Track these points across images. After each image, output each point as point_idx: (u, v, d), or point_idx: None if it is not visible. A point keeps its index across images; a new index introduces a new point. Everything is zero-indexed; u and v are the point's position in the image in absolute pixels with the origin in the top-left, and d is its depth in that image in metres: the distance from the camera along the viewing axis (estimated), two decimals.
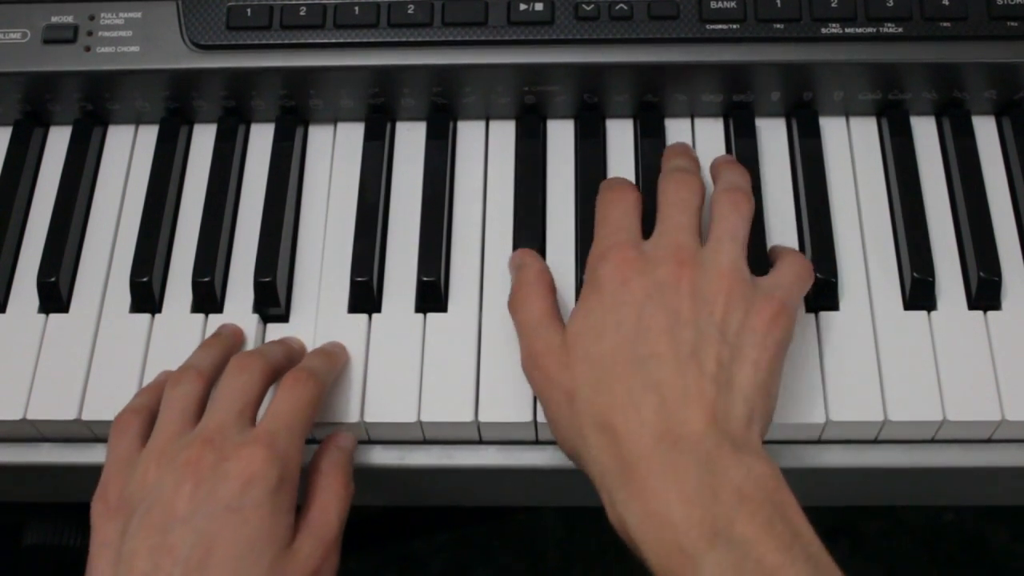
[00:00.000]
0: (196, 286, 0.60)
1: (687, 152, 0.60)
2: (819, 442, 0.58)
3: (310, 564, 0.49)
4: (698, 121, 0.65)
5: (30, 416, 0.57)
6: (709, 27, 0.61)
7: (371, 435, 0.58)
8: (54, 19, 0.63)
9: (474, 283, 0.60)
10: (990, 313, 0.58)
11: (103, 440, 0.57)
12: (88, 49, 0.63)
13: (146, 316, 0.60)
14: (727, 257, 0.51)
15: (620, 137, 0.65)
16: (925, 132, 0.64)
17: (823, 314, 0.58)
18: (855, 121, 0.65)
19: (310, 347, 0.59)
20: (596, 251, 0.53)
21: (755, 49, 0.61)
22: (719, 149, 0.64)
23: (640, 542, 0.46)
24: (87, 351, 0.59)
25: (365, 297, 0.60)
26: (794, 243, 0.61)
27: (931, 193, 0.62)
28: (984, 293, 0.58)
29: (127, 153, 0.66)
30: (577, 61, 0.61)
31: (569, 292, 0.59)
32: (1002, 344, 0.57)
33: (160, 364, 0.58)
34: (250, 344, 0.59)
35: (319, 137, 0.66)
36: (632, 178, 0.63)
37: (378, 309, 0.60)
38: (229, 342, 0.57)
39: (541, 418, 0.56)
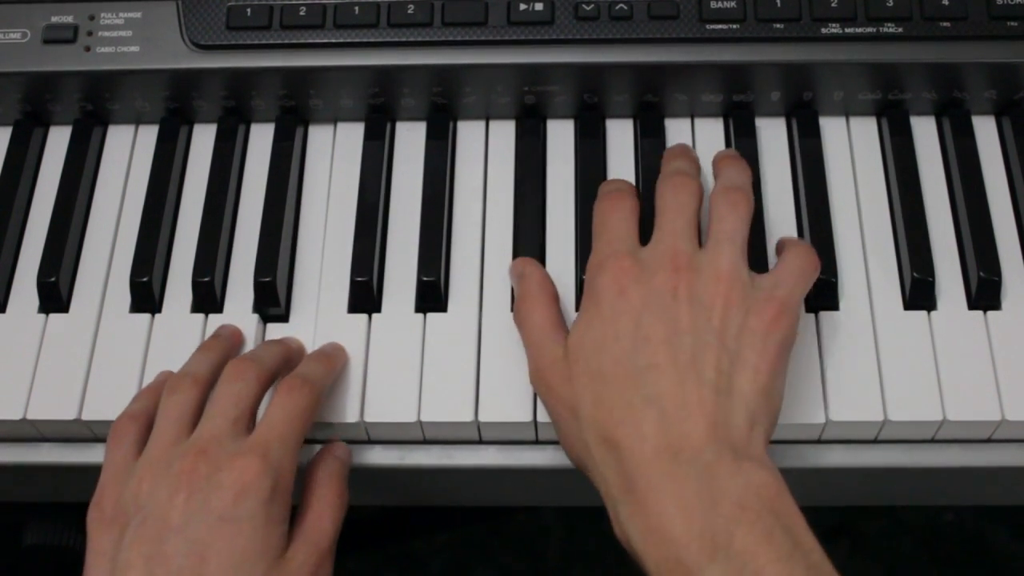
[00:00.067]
0: (196, 286, 0.60)
1: (686, 154, 0.59)
2: (819, 442, 0.58)
3: (303, 573, 0.49)
4: (698, 121, 0.65)
5: (30, 416, 0.57)
6: (709, 27, 0.61)
7: (371, 435, 0.58)
8: (54, 19, 0.63)
9: (474, 283, 0.60)
10: (990, 313, 0.58)
11: (103, 440, 0.57)
12: (88, 49, 0.63)
13: (146, 316, 0.60)
14: (725, 260, 0.51)
15: (620, 137, 0.65)
16: (925, 132, 0.64)
17: (823, 314, 0.58)
18: (855, 121, 0.65)
19: (310, 347, 0.59)
20: (594, 262, 0.53)
21: (755, 49, 0.61)
22: (719, 149, 0.64)
23: (642, 556, 0.46)
24: (87, 351, 0.59)
25: (365, 297, 0.60)
26: None
27: (931, 193, 0.62)
28: (984, 293, 0.58)
29: (127, 153, 0.66)
30: (577, 61, 0.61)
31: (569, 293, 0.59)
32: (1002, 344, 0.57)
33: (160, 364, 0.58)
34: (250, 345, 0.59)
35: (319, 137, 0.66)
36: (632, 178, 0.63)
37: (378, 309, 0.60)
38: (227, 345, 0.57)
39: (541, 418, 0.56)
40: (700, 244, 0.53)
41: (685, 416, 0.47)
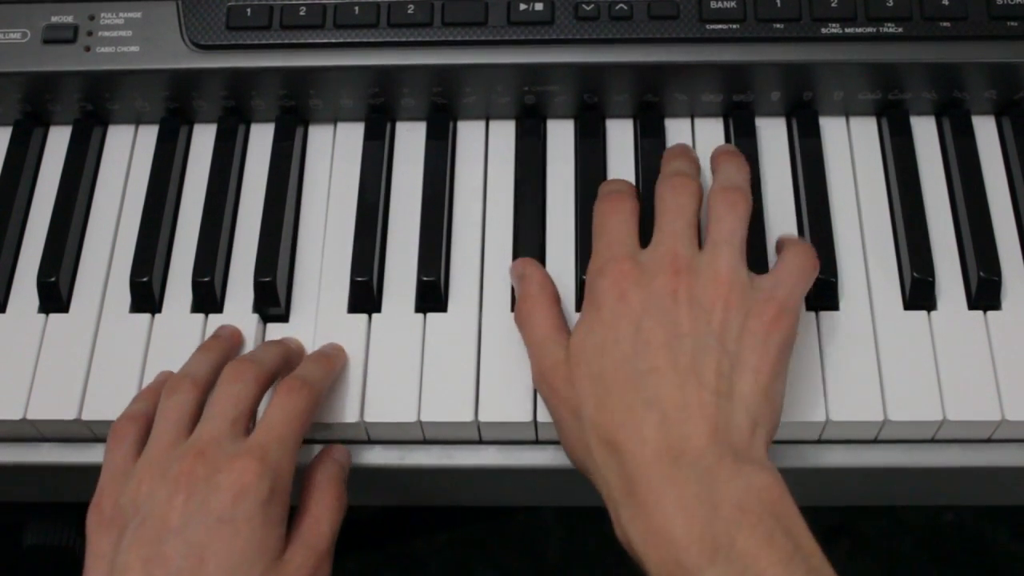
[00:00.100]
0: (196, 286, 0.60)
1: (686, 154, 0.59)
2: (819, 442, 0.58)
3: (301, 573, 0.49)
4: (698, 121, 0.65)
5: (30, 416, 0.57)
6: (709, 27, 0.61)
7: (371, 435, 0.58)
8: (54, 19, 0.63)
9: (474, 283, 0.60)
10: (990, 313, 0.58)
11: (103, 440, 0.57)
12: (88, 49, 0.63)
13: (146, 316, 0.60)
14: (724, 262, 0.51)
15: (620, 137, 0.65)
16: (925, 132, 0.64)
17: (823, 314, 0.58)
18: (855, 121, 0.65)
19: (310, 348, 0.59)
20: (594, 266, 0.53)
21: (755, 49, 0.61)
22: None
23: (643, 559, 0.46)
24: (87, 351, 0.59)
25: (365, 297, 0.60)
26: None
27: (931, 193, 0.62)
28: (984, 293, 0.58)
29: (127, 153, 0.66)
30: (577, 61, 0.61)
31: (569, 293, 0.59)
32: (1002, 344, 0.57)
33: (160, 364, 0.58)
34: (249, 345, 0.59)
35: (319, 137, 0.66)
36: (632, 178, 0.63)
37: (378, 309, 0.60)
38: (227, 345, 0.57)
39: (541, 418, 0.56)
40: (700, 242, 0.53)
41: (686, 419, 0.47)
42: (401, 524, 1.11)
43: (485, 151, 0.65)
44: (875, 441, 0.57)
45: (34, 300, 0.61)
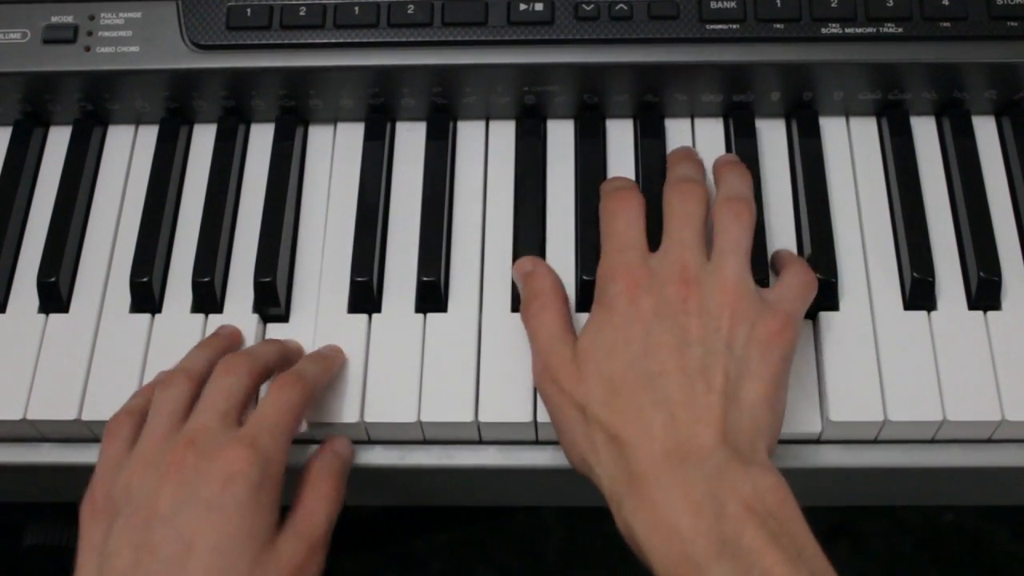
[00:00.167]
0: (196, 286, 0.60)
1: (690, 157, 0.60)
2: (819, 442, 0.58)
3: (292, 563, 0.49)
4: (698, 121, 0.65)
5: (30, 416, 0.57)
6: (709, 27, 0.61)
7: (371, 435, 0.58)
8: (54, 19, 0.63)
9: (474, 283, 0.60)
10: (990, 313, 0.58)
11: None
12: (88, 49, 0.62)
13: (146, 316, 0.60)
14: (731, 271, 0.52)
15: (620, 137, 0.65)
16: (925, 132, 0.64)
17: (823, 314, 0.58)
18: (855, 121, 0.65)
19: (310, 347, 0.59)
20: (605, 269, 0.54)
21: (755, 49, 0.61)
22: (719, 149, 0.64)
23: (647, 550, 0.47)
24: (87, 351, 0.59)
25: (365, 297, 0.60)
26: (793, 243, 0.61)
27: (931, 193, 0.62)
28: (984, 293, 0.58)
29: (127, 153, 0.66)
30: (577, 61, 0.61)
31: (569, 293, 0.59)
32: (1002, 344, 0.57)
33: (160, 364, 0.58)
34: (249, 345, 0.59)
35: (319, 137, 0.66)
36: (632, 178, 0.63)
37: (378, 309, 0.60)
38: (224, 343, 0.57)
39: (541, 418, 0.56)
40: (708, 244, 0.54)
41: (694, 420, 0.48)
42: (401, 524, 1.11)
43: (485, 151, 0.65)
44: (875, 441, 0.57)
45: (34, 300, 0.61)
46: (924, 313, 0.58)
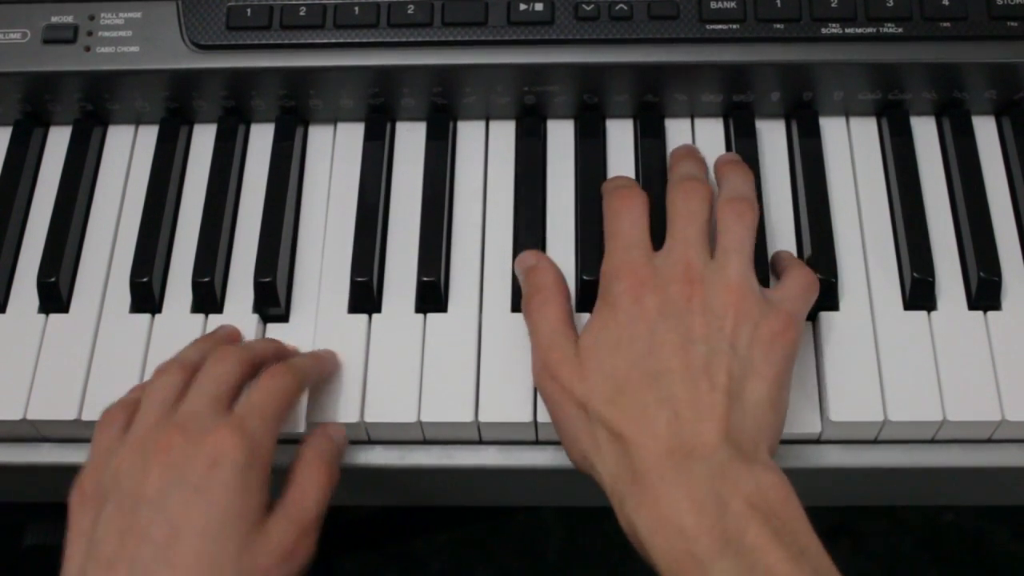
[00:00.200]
0: (196, 286, 0.60)
1: (693, 155, 0.60)
2: (819, 442, 0.58)
3: (282, 545, 0.49)
4: (698, 121, 0.65)
5: (30, 416, 0.57)
6: (709, 27, 0.61)
7: (371, 435, 0.58)
8: (54, 19, 0.63)
9: (474, 283, 0.60)
10: (990, 313, 0.58)
11: None
12: (88, 49, 0.62)
13: (146, 316, 0.60)
14: (734, 270, 0.52)
15: (620, 137, 0.65)
16: (925, 132, 0.64)
17: (823, 314, 0.58)
18: (855, 121, 0.65)
19: (310, 347, 0.59)
20: (609, 267, 0.54)
21: (755, 49, 0.61)
22: (719, 149, 0.64)
23: (649, 547, 0.47)
24: (87, 351, 0.59)
25: (365, 297, 0.60)
26: (793, 243, 0.61)
27: (931, 193, 0.62)
28: (984, 293, 0.58)
29: (127, 153, 0.66)
30: (577, 61, 0.61)
31: (570, 293, 0.59)
32: (1002, 344, 0.57)
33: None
34: None
35: (319, 137, 0.66)
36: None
37: (378, 309, 0.60)
38: (223, 341, 0.57)
39: (541, 418, 0.56)
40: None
41: (698, 418, 0.48)
42: (401, 524, 1.11)
43: (485, 151, 0.65)
44: (875, 441, 0.57)
45: (34, 300, 0.61)
46: (924, 313, 0.58)
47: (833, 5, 0.60)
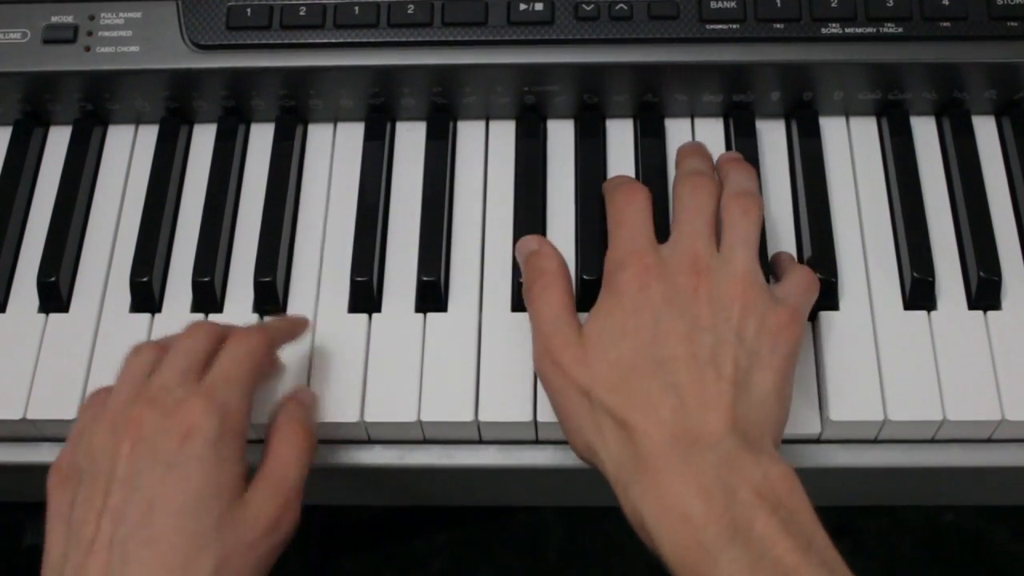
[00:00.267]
0: (196, 286, 0.60)
1: (700, 151, 0.60)
2: (819, 442, 0.58)
3: (264, 515, 0.49)
4: (698, 121, 0.65)
5: (30, 416, 0.57)
6: (709, 27, 0.61)
7: (371, 435, 0.58)
8: (54, 19, 0.63)
9: (474, 283, 0.60)
10: (990, 313, 0.58)
11: None
12: (88, 49, 0.63)
13: (146, 316, 0.60)
14: (741, 263, 0.52)
15: (620, 137, 0.65)
16: (925, 132, 0.64)
17: (823, 314, 0.58)
18: (855, 121, 0.65)
19: (310, 346, 0.59)
20: (614, 257, 0.53)
21: (755, 49, 0.61)
22: (719, 149, 0.64)
23: (656, 536, 0.46)
24: (87, 351, 0.59)
25: (365, 297, 0.60)
26: (793, 243, 0.61)
27: (931, 193, 0.62)
28: (984, 293, 0.58)
29: (127, 153, 0.66)
30: (577, 61, 0.61)
31: None
32: (1002, 344, 0.57)
33: None
34: None
35: (319, 137, 0.66)
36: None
37: (378, 309, 0.60)
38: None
39: (541, 418, 0.56)
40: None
41: (704, 406, 0.48)
42: (401, 524, 1.11)
43: (485, 151, 0.65)
44: (875, 441, 0.57)
45: (34, 300, 0.61)
46: (924, 313, 0.58)
47: (833, 5, 0.60)
